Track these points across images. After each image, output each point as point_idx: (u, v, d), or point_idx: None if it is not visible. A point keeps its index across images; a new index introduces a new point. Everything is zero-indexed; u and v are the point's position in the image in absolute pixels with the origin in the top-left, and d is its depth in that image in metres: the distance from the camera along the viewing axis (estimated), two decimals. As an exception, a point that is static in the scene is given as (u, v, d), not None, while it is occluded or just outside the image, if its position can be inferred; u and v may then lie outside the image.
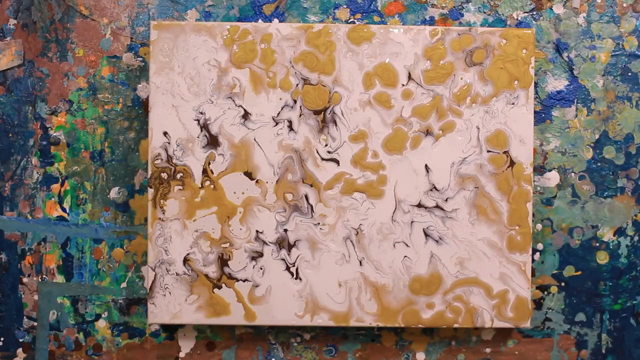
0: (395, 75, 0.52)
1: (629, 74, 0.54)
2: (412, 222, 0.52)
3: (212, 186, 0.52)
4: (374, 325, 0.52)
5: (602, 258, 0.54)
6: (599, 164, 0.54)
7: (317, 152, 0.52)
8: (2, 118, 0.54)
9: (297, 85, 0.52)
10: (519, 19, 0.54)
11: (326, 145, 0.52)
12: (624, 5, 0.54)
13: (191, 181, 0.52)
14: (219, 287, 0.52)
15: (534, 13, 0.54)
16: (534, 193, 0.54)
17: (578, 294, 0.54)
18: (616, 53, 0.54)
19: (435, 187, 0.52)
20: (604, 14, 0.54)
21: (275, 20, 0.54)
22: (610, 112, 0.54)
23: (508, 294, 0.52)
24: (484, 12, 0.54)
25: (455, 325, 0.52)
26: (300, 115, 0.52)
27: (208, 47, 0.52)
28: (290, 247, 0.52)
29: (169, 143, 0.52)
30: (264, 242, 0.52)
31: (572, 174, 0.54)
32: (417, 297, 0.52)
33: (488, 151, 0.52)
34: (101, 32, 0.54)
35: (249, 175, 0.52)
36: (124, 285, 0.54)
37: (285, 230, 0.52)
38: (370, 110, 0.52)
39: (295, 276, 0.52)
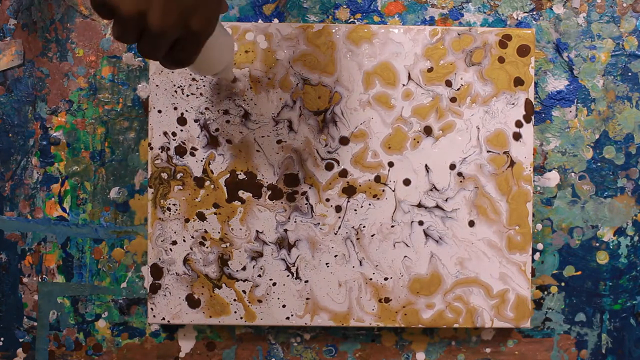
0: (396, 75, 0.52)
1: (629, 74, 0.54)
2: (412, 222, 0.52)
3: (212, 186, 0.52)
4: (374, 325, 0.52)
5: (602, 258, 0.54)
6: (599, 164, 0.54)
7: (317, 152, 0.52)
8: (2, 118, 0.54)
9: (297, 85, 0.52)
10: (519, 19, 0.54)
11: (326, 145, 0.52)
12: (624, 5, 0.54)
13: (191, 181, 0.52)
14: (219, 287, 0.52)
15: (534, 13, 0.54)
16: (534, 193, 0.54)
17: (578, 294, 0.54)
18: (616, 53, 0.54)
19: (435, 187, 0.52)
20: (604, 14, 0.54)
21: (275, 20, 0.54)
22: (610, 112, 0.54)
23: (508, 294, 0.52)
24: (484, 12, 0.54)
25: (455, 325, 0.52)
26: (300, 115, 0.52)
27: (208, 47, 0.52)
28: (290, 247, 0.52)
29: (169, 143, 0.52)
30: (264, 242, 0.52)
31: (572, 174, 0.54)
32: (417, 297, 0.52)
33: (488, 151, 0.52)
34: (101, 32, 0.54)
35: (249, 175, 0.52)
36: (124, 285, 0.54)
37: (285, 230, 0.52)
38: (370, 110, 0.52)
39: (295, 276, 0.52)
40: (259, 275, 0.52)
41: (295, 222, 0.52)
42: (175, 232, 0.52)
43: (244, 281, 0.52)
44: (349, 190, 0.52)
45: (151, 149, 0.52)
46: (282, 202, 0.52)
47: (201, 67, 0.43)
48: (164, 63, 0.38)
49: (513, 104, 0.52)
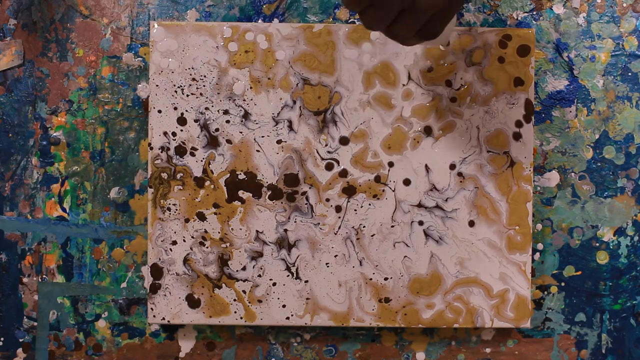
0: (396, 75, 0.52)
1: (629, 74, 0.54)
2: (412, 222, 0.52)
3: (212, 186, 0.52)
4: (374, 325, 0.52)
5: (602, 258, 0.54)
6: (599, 164, 0.54)
7: (317, 152, 0.52)
8: (2, 118, 0.54)
9: (297, 85, 0.52)
10: (519, 19, 0.54)
11: (326, 145, 0.52)
12: (624, 5, 0.54)
13: (191, 181, 0.52)
14: (219, 287, 0.52)
15: (534, 13, 0.54)
16: (534, 193, 0.54)
17: (578, 294, 0.54)
18: (616, 53, 0.54)
19: (435, 187, 0.52)
20: (604, 14, 0.54)
21: (275, 20, 0.54)
22: (610, 112, 0.54)
23: (508, 294, 0.52)
24: (484, 12, 0.54)
25: (455, 325, 0.52)
26: (300, 115, 0.52)
27: (208, 47, 0.52)
28: (290, 247, 0.52)
29: (169, 143, 0.52)
30: (264, 242, 0.52)
31: (572, 174, 0.54)
32: (417, 297, 0.52)
33: (488, 151, 0.52)
34: (101, 32, 0.54)
35: (249, 175, 0.52)
36: (124, 285, 0.54)
37: (285, 230, 0.52)
38: (370, 110, 0.52)
39: (295, 276, 0.52)
40: (259, 275, 0.52)
41: (295, 222, 0.52)
42: (175, 232, 0.52)
43: (244, 281, 0.52)
44: (349, 190, 0.52)
45: (151, 149, 0.52)
46: (282, 202, 0.52)
47: (441, 37, 0.44)
48: (412, 40, 0.39)
49: (513, 104, 0.52)
